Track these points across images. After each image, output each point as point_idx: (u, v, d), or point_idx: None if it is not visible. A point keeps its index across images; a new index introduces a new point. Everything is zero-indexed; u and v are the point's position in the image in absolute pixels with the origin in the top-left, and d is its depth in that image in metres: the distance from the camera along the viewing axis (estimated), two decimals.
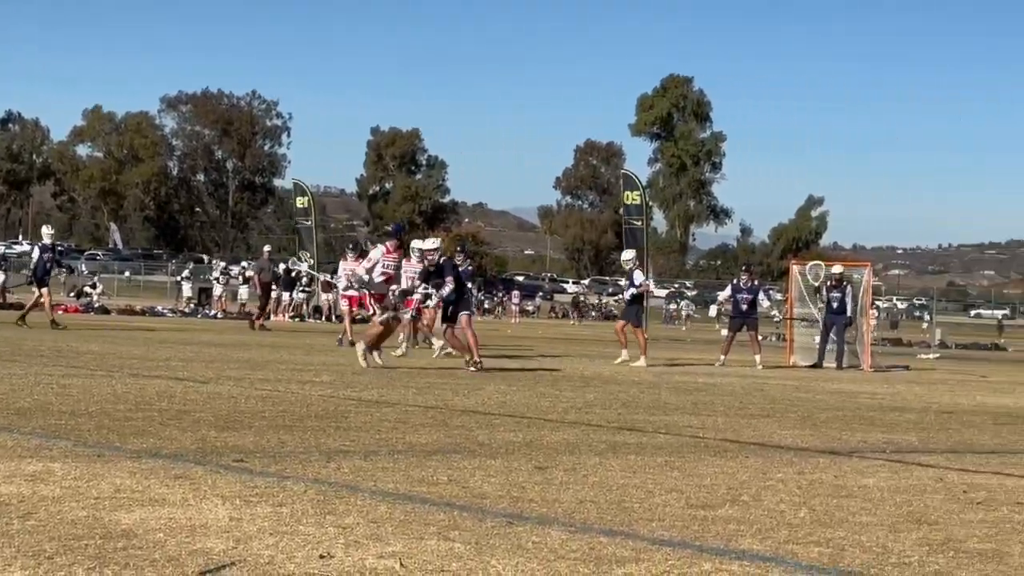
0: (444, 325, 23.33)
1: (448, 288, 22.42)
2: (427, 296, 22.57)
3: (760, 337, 32.11)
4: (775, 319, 34.04)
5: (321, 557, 6.07)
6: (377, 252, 22.94)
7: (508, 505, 7.84)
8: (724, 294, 32.64)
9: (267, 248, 45.73)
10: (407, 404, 14.94)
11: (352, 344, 29.31)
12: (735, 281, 31.64)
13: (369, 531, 6.76)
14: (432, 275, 22.72)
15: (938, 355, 48.47)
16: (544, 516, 7.51)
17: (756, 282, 32.12)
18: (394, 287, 22.71)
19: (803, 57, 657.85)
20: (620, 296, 30.95)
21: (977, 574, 6.43)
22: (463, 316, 22.99)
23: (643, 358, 27.75)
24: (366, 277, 22.50)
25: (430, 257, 22.81)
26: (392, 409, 14.18)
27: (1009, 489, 9.70)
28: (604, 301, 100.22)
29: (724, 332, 34.36)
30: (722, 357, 30.02)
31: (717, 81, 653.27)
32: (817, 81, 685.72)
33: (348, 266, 33.12)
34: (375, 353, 21.54)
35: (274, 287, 47.73)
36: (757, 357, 29.79)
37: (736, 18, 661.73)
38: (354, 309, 32.86)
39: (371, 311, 22.81)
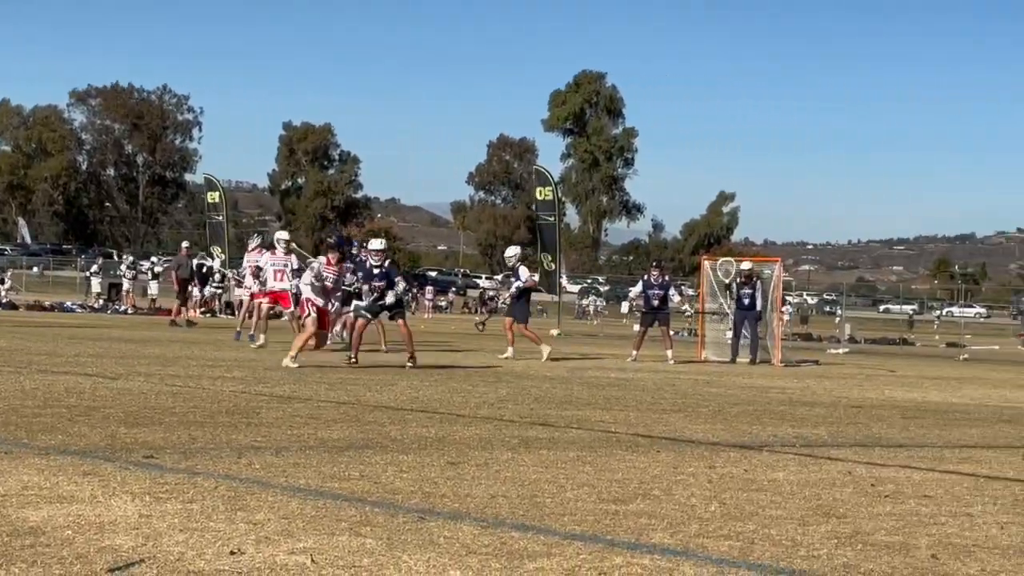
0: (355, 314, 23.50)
1: (402, 286, 23.37)
2: (382, 296, 22.76)
3: (672, 332, 32.28)
4: (686, 314, 34.03)
5: (231, 553, 6.04)
6: (317, 263, 22.57)
7: (420, 500, 7.84)
8: (635, 290, 32.59)
9: (185, 244, 45.20)
10: (319, 400, 14.90)
11: (248, 336, 29.42)
12: (646, 277, 31.66)
13: (280, 527, 6.73)
14: (374, 277, 22.93)
15: (847, 350, 48.87)
16: (456, 511, 7.51)
17: (667, 278, 32.14)
18: (334, 299, 22.75)
19: (714, 54, 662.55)
20: (500, 293, 30.57)
21: (885, 566, 6.50)
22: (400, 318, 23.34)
23: (544, 347, 27.71)
24: (308, 282, 22.10)
25: (376, 259, 23.07)
26: (304, 405, 14.14)
27: (916, 482, 9.81)
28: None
29: (636, 327, 34.42)
30: (634, 352, 30.10)
31: (630, 77, 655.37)
32: (728, 78, 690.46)
33: (251, 257, 32.95)
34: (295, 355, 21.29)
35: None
36: (669, 352, 29.91)
37: (649, 15, 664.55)
38: (257, 301, 32.69)
39: (305, 314, 22.32)
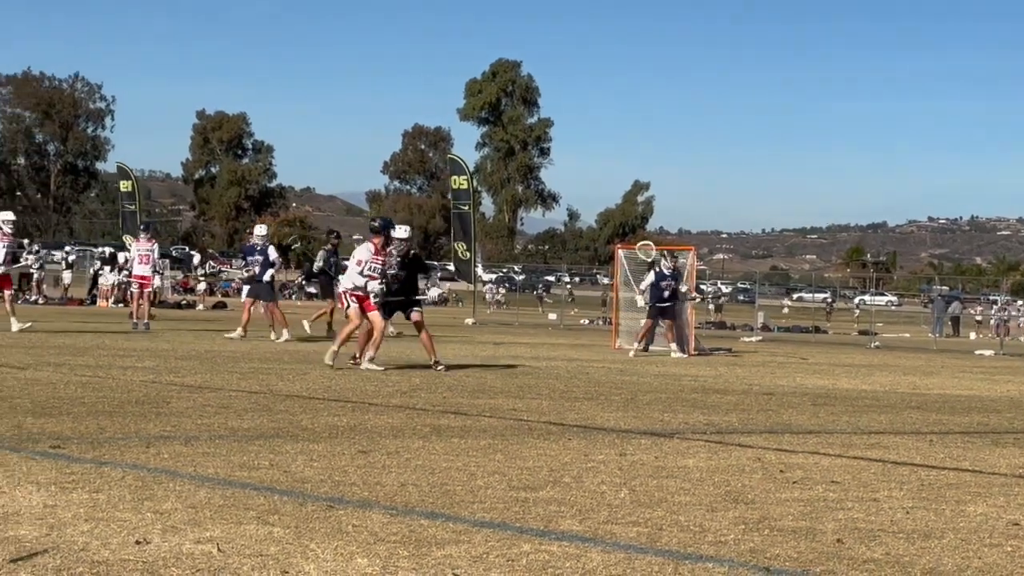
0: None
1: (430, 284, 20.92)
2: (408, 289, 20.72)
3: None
4: (697, 301, 33.11)
5: (137, 543, 6.00)
6: (364, 251, 20.22)
7: (329, 489, 7.81)
8: (648, 280, 31.23)
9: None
10: (231, 389, 14.82)
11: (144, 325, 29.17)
12: (658, 268, 30.73)
13: (187, 516, 6.69)
14: (408, 266, 20.70)
15: (760, 338, 49.15)
16: (365, 499, 7.49)
17: (677, 267, 31.21)
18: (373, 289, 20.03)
19: (630, 44, 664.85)
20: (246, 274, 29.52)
21: (790, 551, 6.55)
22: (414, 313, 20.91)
23: (284, 331, 27.45)
24: (361, 281, 19.85)
25: (401, 247, 20.57)
26: (215, 394, 14.06)
27: (824, 468, 9.90)
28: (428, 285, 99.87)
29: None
30: (636, 345, 29.66)
31: (545, 67, 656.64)
32: (644, 68, 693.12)
33: (141, 247, 32.61)
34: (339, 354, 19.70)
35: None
36: (674, 346, 29.54)
37: (564, 3, 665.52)
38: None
39: (345, 306, 20.28)
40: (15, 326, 26.00)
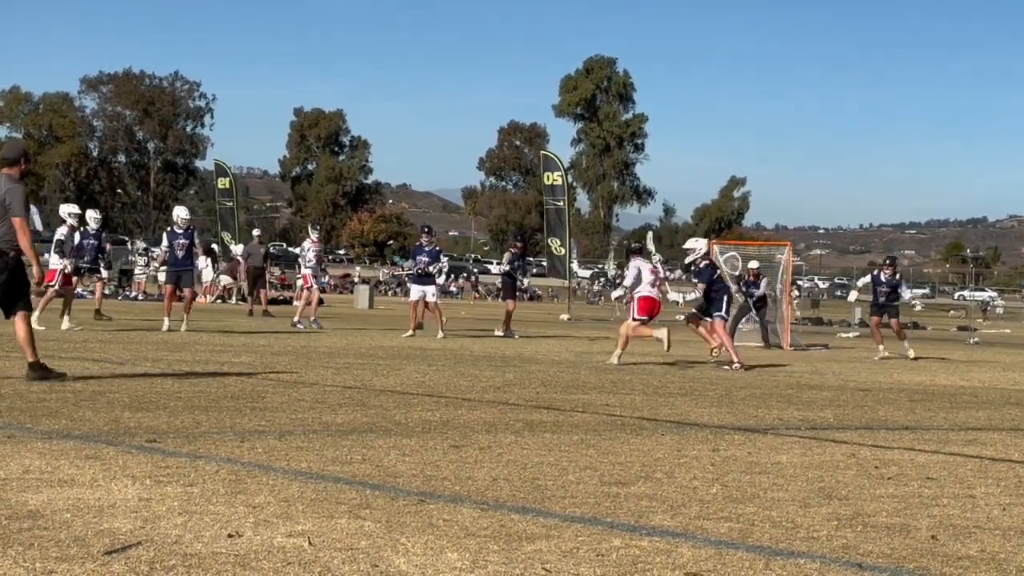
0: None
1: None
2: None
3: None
4: (916, 308, 33.05)
5: (230, 536, 6.05)
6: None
7: (421, 483, 7.84)
8: (863, 281, 31.76)
9: (256, 232, 44.07)
10: (325, 384, 14.91)
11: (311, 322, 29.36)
12: (876, 273, 30.79)
13: (280, 510, 6.74)
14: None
15: (857, 334, 48.66)
16: (456, 494, 7.51)
17: (898, 276, 31.26)
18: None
19: (724, 39, 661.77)
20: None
21: (884, 547, 6.49)
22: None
23: (185, 320, 27.25)
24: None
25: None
26: (310, 389, 14.15)
27: (920, 464, 9.80)
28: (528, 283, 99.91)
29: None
30: (880, 347, 29.42)
31: (640, 62, 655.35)
32: (739, 63, 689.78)
33: (316, 247, 33.08)
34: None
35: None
36: (906, 343, 29.40)
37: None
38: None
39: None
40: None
